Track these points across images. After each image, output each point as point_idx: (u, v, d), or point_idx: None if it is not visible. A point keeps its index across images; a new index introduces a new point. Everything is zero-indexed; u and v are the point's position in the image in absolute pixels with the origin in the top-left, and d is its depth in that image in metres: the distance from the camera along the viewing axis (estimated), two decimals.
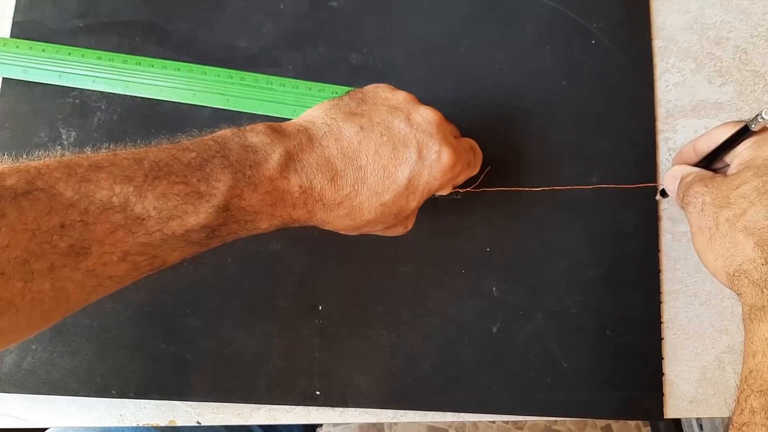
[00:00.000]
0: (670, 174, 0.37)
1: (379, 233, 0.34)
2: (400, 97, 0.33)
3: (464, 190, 0.41)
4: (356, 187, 0.30)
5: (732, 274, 0.30)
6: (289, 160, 0.29)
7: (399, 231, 0.35)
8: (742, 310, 0.30)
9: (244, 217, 0.28)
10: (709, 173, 0.34)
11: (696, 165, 0.36)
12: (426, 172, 0.31)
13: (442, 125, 0.32)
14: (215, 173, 0.27)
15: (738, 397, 0.28)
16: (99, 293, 0.27)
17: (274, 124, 0.30)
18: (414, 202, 0.32)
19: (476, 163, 0.37)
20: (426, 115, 0.32)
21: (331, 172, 0.30)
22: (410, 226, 0.35)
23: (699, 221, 0.32)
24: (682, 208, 0.34)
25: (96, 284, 0.26)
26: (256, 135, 0.29)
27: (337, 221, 0.31)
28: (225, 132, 0.29)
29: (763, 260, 0.28)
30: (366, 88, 0.34)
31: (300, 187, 0.29)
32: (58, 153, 0.26)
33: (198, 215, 0.26)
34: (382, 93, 0.33)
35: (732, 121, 0.34)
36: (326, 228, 0.32)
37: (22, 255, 0.23)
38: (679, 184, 0.35)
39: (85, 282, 0.25)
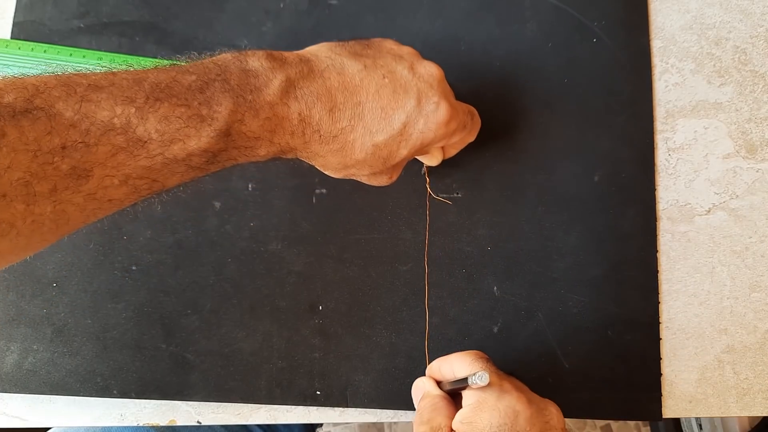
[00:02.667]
0: (416, 385, 0.36)
1: (364, 180, 0.34)
2: (405, 50, 0.33)
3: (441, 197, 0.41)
4: (353, 122, 0.30)
5: None
6: (290, 87, 0.29)
7: (383, 180, 0.35)
8: None
9: (245, 143, 0.28)
10: (438, 420, 0.32)
11: (441, 384, 0.35)
12: (422, 120, 0.31)
13: (444, 81, 0.33)
14: (216, 97, 0.26)
15: None
16: (98, 215, 0.26)
17: (275, 52, 0.30)
18: (405, 151, 0.32)
19: (473, 128, 0.37)
20: (429, 68, 0.32)
21: (331, 103, 0.30)
22: (395, 177, 0.35)
23: None
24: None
25: (96, 207, 0.26)
26: (257, 60, 0.28)
27: (329, 155, 0.31)
28: (225, 55, 0.28)
29: None
30: (372, 38, 0.34)
31: (299, 114, 0.29)
32: (56, 69, 0.25)
33: (200, 139, 0.26)
34: (387, 44, 0.34)
35: (470, 356, 0.33)
36: (317, 164, 0.32)
37: (24, 177, 0.22)
38: (420, 398, 0.35)
39: (86, 205, 0.25)
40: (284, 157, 0.31)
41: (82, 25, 0.45)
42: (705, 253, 0.43)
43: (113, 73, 0.26)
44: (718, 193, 0.43)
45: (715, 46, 0.45)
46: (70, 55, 0.44)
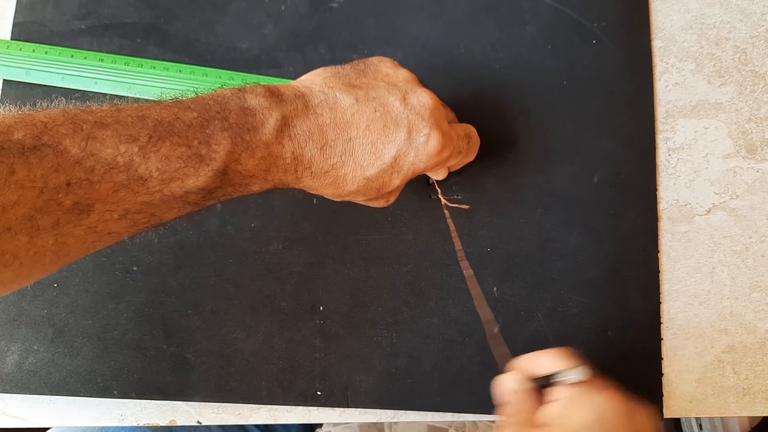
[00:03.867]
0: (500, 381, 0.35)
1: (362, 203, 0.35)
2: (401, 75, 0.33)
3: (454, 204, 0.41)
4: (343, 158, 0.31)
5: None
6: (285, 126, 0.29)
7: (380, 203, 0.35)
8: None
9: (240, 181, 0.29)
10: (526, 414, 0.32)
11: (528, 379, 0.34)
12: (412, 153, 0.32)
13: (437, 110, 0.33)
14: (215, 136, 0.27)
15: None
16: (97, 247, 0.27)
17: (273, 86, 0.30)
18: (397, 180, 0.33)
19: (471, 151, 0.37)
20: (422, 98, 0.32)
21: (322, 140, 0.30)
22: (392, 200, 0.36)
23: None
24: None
25: (95, 239, 0.26)
26: (255, 97, 0.29)
27: (322, 188, 0.32)
28: (224, 91, 0.29)
29: None
30: (370, 59, 0.34)
31: (292, 153, 0.30)
32: (62, 104, 0.26)
33: (198, 178, 0.27)
34: (384, 68, 0.34)
35: (564, 352, 0.33)
36: (312, 192, 0.33)
37: (29, 212, 0.23)
38: (505, 395, 0.34)
39: (86, 237, 0.26)
40: (279, 188, 0.32)
41: (83, 27, 0.45)
42: (705, 253, 0.43)
43: (118, 110, 0.26)
44: (718, 193, 0.43)
45: (715, 46, 0.45)
46: (71, 56, 0.44)
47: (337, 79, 0.32)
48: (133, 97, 0.44)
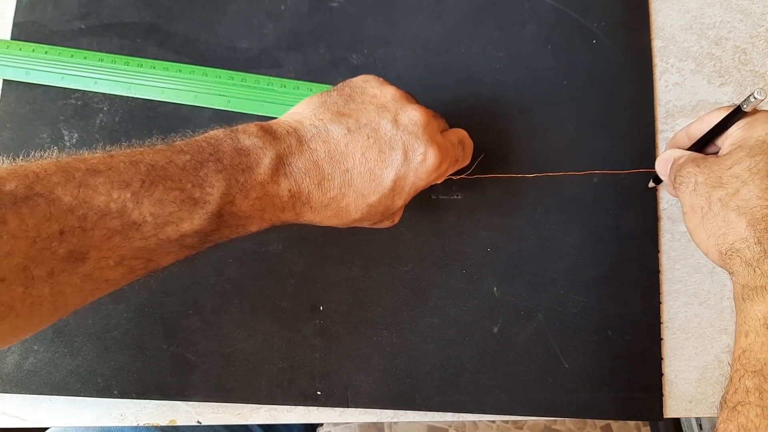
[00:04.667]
0: (662, 157, 0.37)
1: (367, 227, 0.35)
2: (388, 95, 0.33)
3: (457, 177, 0.41)
4: (343, 189, 0.31)
5: (724, 252, 0.30)
6: (280, 164, 0.29)
7: (386, 224, 0.35)
8: (734, 289, 0.30)
9: (236, 222, 0.29)
10: (701, 155, 0.34)
11: (689, 149, 0.36)
12: (411, 173, 0.32)
13: (429, 125, 0.32)
14: (209, 178, 0.27)
15: (731, 377, 0.28)
16: (95, 295, 0.27)
17: (265, 124, 0.30)
18: (400, 201, 0.33)
19: (465, 157, 0.37)
20: (413, 116, 0.32)
21: (319, 176, 0.30)
22: (397, 220, 0.36)
23: (691, 201, 0.32)
24: (674, 188, 0.34)
25: (93, 287, 0.26)
26: (248, 137, 0.29)
27: (326, 221, 0.32)
28: (217, 133, 0.29)
29: (755, 239, 0.29)
30: (354, 81, 0.34)
31: (289, 191, 0.30)
32: (54, 154, 0.26)
33: (192, 221, 0.27)
34: (370, 89, 0.33)
35: (725, 106, 0.34)
36: (316, 225, 0.33)
37: (22, 262, 0.23)
38: (671, 167, 0.36)
39: (83, 286, 0.26)
40: (279, 224, 0.32)
41: (83, 27, 0.45)
42: None
43: (111, 156, 0.26)
44: None
45: (715, 46, 0.45)
46: (71, 56, 0.44)
47: (326, 108, 0.32)
48: (133, 97, 0.44)
